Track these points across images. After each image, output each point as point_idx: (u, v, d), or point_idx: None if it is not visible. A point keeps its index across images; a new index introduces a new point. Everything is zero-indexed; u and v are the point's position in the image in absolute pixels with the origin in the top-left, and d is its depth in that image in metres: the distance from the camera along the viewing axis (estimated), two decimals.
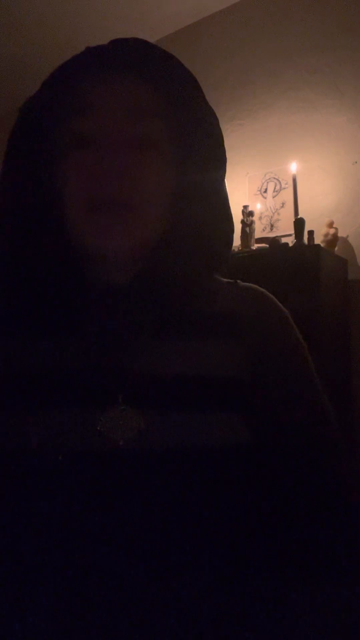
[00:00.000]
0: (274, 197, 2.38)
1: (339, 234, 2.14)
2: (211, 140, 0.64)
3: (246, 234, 2.22)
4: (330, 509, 0.59)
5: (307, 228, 2.04)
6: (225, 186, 0.66)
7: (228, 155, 0.66)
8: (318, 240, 2.06)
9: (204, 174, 0.64)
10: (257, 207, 2.37)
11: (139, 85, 0.61)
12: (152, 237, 0.61)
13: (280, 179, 2.36)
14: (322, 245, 2.03)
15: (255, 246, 2.19)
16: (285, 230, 2.26)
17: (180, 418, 0.55)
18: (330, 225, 2.12)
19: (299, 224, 2.04)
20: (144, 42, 0.61)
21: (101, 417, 0.55)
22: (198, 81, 0.63)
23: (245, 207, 2.28)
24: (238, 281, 0.70)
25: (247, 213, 2.26)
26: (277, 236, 2.22)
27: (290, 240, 2.09)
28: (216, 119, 0.64)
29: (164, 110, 0.62)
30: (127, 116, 0.59)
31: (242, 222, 2.23)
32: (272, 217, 2.36)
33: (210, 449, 0.55)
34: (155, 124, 0.61)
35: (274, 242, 2.10)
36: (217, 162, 0.65)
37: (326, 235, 2.10)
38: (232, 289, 0.68)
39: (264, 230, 2.35)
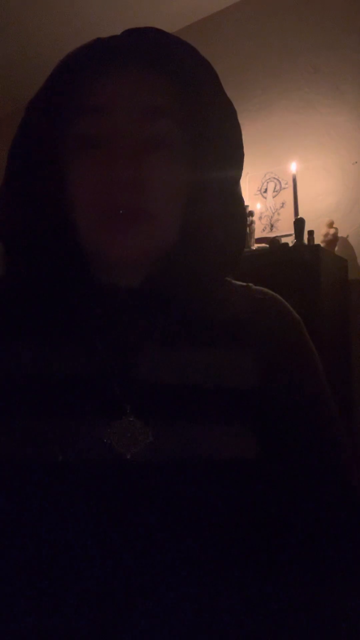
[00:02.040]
0: (274, 197, 2.37)
1: (339, 234, 2.14)
2: (229, 139, 0.61)
3: (246, 234, 2.21)
4: (340, 521, 0.58)
5: (307, 228, 2.04)
6: (239, 185, 0.63)
7: None
8: (318, 240, 2.06)
9: (220, 174, 0.61)
10: (257, 207, 2.37)
11: (153, 82, 0.57)
12: (165, 241, 0.59)
13: (280, 179, 2.36)
14: (322, 245, 2.03)
15: (255, 246, 2.19)
16: (285, 230, 2.26)
17: (190, 430, 0.54)
18: (330, 225, 2.12)
19: (299, 224, 2.04)
20: (161, 33, 0.57)
21: (108, 428, 0.53)
22: (217, 73, 0.59)
23: (245, 207, 2.27)
24: (250, 285, 0.67)
25: (247, 213, 2.26)
26: (277, 236, 2.21)
27: (290, 240, 2.09)
28: (235, 115, 0.60)
29: (179, 108, 0.59)
30: (141, 116, 0.56)
31: None
32: (272, 217, 2.36)
33: (219, 462, 0.53)
34: (170, 123, 0.58)
35: (274, 242, 2.10)
36: (234, 162, 0.62)
37: (326, 235, 2.10)
38: (244, 293, 0.66)
39: (264, 230, 2.35)
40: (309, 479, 0.58)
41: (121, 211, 0.55)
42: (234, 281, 0.68)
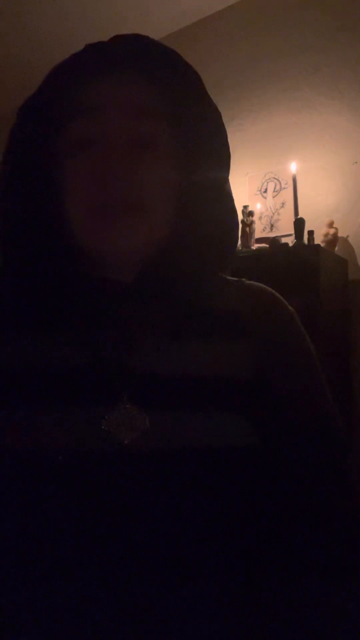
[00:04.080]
0: (274, 197, 2.38)
1: (339, 234, 2.14)
2: (215, 139, 0.63)
3: (246, 234, 2.22)
4: (335, 510, 0.59)
5: (307, 228, 2.04)
6: (229, 183, 0.65)
7: None
8: (318, 240, 2.06)
9: (208, 172, 0.63)
10: (257, 207, 2.37)
11: (141, 84, 0.60)
12: (157, 237, 0.61)
13: (280, 179, 2.36)
14: (322, 245, 2.03)
15: (255, 246, 2.19)
16: (285, 230, 2.26)
17: (186, 417, 0.55)
18: (330, 225, 2.12)
19: (299, 224, 2.04)
20: (146, 39, 0.60)
21: (106, 416, 0.54)
22: (201, 78, 0.61)
23: (245, 207, 2.28)
24: (244, 279, 0.69)
25: (247, 213, 2.26)
26: (277, 236, 2.21)
27: (290, 240, 2.09)
28: (219, 116, 0.63)
29: (167, 110, 0.61)
30: (130, 116, 0.58)
31: (242, 222, 2.23)
32: (272, 217, 2.36)
33: (215, 449, 0.55)
34: (159, 123, 0.60)
35: (274, 242, 2.10)
36: (221, 160, 0.64)
37: (326, 235, 2.10)
38: (238, 287, 0.68)
39: (264, 230, 2.35)
40: (305, 466, 0.59)
41: (111, 204, 0.57)
42: (227, 277, 0.69)
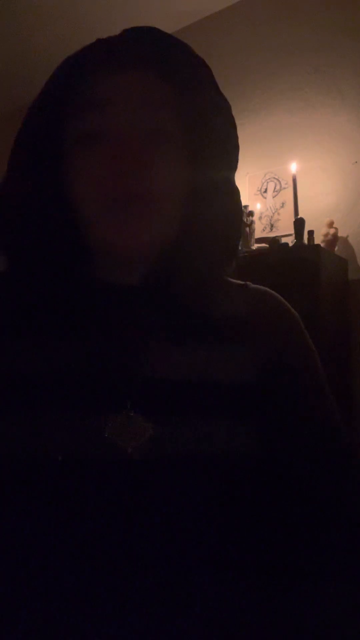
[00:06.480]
0: (274, 197, 2.37)
1: (339, 234, 2.14)
2: (224, 133, 0.62)
3: (246, 234, 2.22)
4: (340, 514, 0.58)
5: (307, 228, 2.04)
6: (234, 182, 0.64)
7: None
8: (318, 240, 2.06)
9: (217, 168, 0.62)
10: (257, 207, 2.37)
11: (152, 77, 0.58)
12: (169, 232, 0.59)
13: (280, 179, 2.36)
14: (322, 245, 2.03)
15: (255, 246, 2.19)
16: (285, 230, 2.26)
17: (190, 425, 0.54)
18: (330, 225, 2.12)
19: (299, 224, 2.04)
20: (157, 31, 0.59)
21: (109, 423, 0.53)
22: (212, 71, 0.60)
23: (245, 207, 2.28)
24: (248, 283, 0.68)
25: (247, 213, 2.26)
26: (277, 236, 2.21)
27: (290, 240, 2.09)
28: (229, 110, 0.61)
29: (177, 103, 0.60)
30: (141, 109, 0.57)
31: (242, 222, 2.23)
32: (272, 217, 2.36)
33: (220, 456, 0.54)
34: (170, 117, 0.59)
35: (274, 242, 2.10)
36: (229, 157, 0.63)
37: (326, 235, 2.10)
38: (243, 291, 0.67)
39: (264, 230, 2.35)
40: (309, 472, 0.59)
41: (122, 198, 0.56)
42: (231, 280, 0.68)
